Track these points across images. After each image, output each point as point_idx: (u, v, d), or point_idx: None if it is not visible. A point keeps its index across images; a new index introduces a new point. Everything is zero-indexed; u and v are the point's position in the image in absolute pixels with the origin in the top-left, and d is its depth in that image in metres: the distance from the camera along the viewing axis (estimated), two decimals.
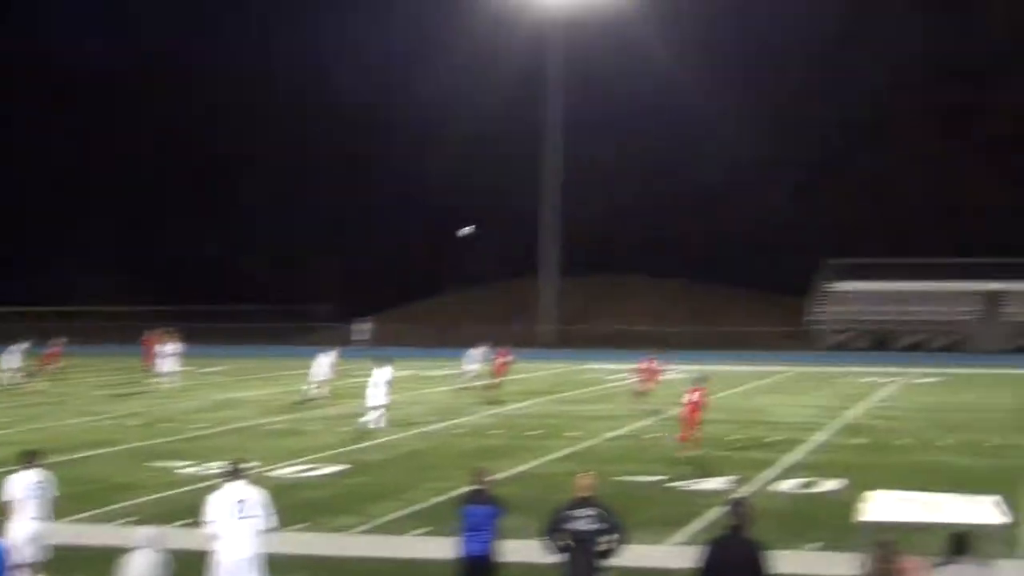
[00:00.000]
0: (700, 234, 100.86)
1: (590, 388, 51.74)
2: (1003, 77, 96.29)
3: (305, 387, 45.22)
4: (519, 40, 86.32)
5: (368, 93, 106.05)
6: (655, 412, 40.44)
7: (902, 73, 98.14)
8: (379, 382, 35.70)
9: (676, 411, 39.71)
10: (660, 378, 43.55)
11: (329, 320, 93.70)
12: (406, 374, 42.34)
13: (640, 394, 42.92)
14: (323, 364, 44.71)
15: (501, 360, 46.57)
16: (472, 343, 51.81)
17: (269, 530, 16.08)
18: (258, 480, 25.51)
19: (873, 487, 15.73)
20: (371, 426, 35.13)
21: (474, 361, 50.42)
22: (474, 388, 47.38)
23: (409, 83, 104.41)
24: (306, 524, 22.36)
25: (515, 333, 64.02)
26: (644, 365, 43.13)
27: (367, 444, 33.02)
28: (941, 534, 13.54)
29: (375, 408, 35.55)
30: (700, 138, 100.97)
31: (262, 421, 38.95)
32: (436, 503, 24.19)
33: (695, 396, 31.32)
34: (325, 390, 44.39)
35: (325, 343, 51.94)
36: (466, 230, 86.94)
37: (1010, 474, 27.88)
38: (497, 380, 45.90)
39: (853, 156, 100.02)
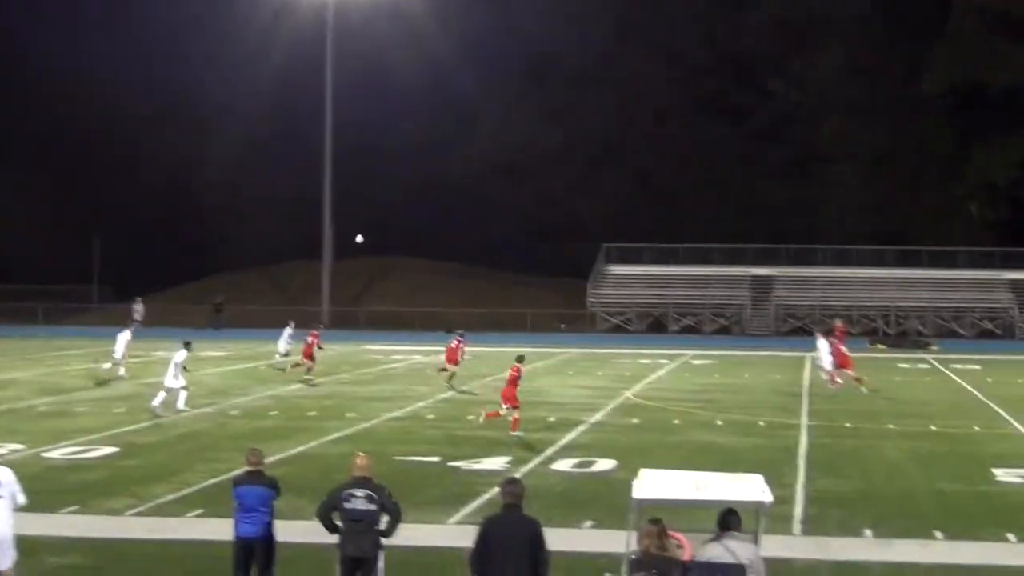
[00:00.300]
0: (481, 220, 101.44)
1: (368, 369, 51.64)
2: (770, 69, 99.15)
3: (107, 365, 44.92)
4: (299, 24, 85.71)
5: (139, 72, 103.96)
6: (445, 391, 40.94)
7: (676, 65, 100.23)
8: (172, 363, 35.13)
9: (463, 390, 40.31)
10: (461, 357, 43.61)
11: (100, 301, 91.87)
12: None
13: (443, 371, 43.17)
14: (121, 342, 44.58)
15: (309, 341, 46.12)
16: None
17: (19, 509, 15.66)
18: (29, 462, 25.03)
19: (646, 466, 16.02)
20: (151, 403, 34.52)
21: (287, 342, 50.56)
22: (295, 369, 46.66)
23: (183, 64, 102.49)
24: (77, 507, 21.91)
25: (293, 314, 63.22)
26: (455, 344, 43.22)
27: (139, 426, 32.46)
28: (710, 511, 13.89)
29: (164, 389, 34.89)
30: (481, 124, 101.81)
31: (32, 402, 37.99)
32: (210, 485, 23.92)
33: (513, 373, 31.96)
34: (120, 369, 44.44)
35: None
36: (359, 239, 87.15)
37: (778, 453, 28.72)
38: (309, 361, 45.44)
39: (630, 144, 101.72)
